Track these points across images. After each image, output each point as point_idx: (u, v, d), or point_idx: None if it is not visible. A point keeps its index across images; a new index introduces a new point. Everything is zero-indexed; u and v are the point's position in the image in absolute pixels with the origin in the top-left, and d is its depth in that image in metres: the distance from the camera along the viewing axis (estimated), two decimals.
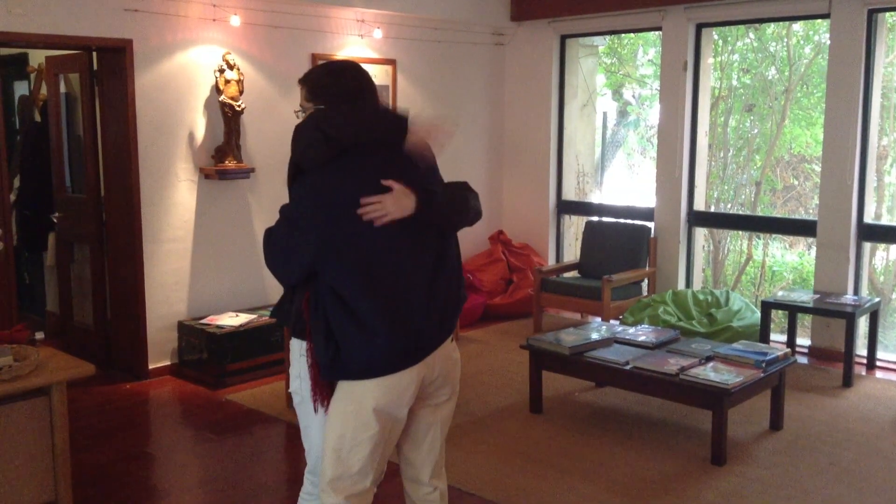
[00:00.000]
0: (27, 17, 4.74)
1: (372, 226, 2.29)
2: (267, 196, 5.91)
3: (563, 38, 7.24)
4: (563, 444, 4.32)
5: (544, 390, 4.78)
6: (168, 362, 5.48)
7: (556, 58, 7.24)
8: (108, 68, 5.30)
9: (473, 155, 7.38)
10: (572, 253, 7.42)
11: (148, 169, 5.32)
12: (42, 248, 6.31)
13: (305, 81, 2.50)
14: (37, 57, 6.43)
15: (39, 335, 6.06)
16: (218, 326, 5.31)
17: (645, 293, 6.51)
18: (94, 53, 5.36)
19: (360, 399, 2.36)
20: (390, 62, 6.59)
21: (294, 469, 4.30)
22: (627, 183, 9.84)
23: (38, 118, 6.40)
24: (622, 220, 6.84)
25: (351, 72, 2.50)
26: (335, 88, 2.45)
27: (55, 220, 5.87)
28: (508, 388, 5.15)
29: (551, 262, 7.26)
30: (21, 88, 6.96)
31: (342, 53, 6.25)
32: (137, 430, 4.67)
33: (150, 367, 5.40)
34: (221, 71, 5.50)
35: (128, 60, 5.15)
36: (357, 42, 6.35)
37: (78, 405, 4.74)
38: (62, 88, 5.77)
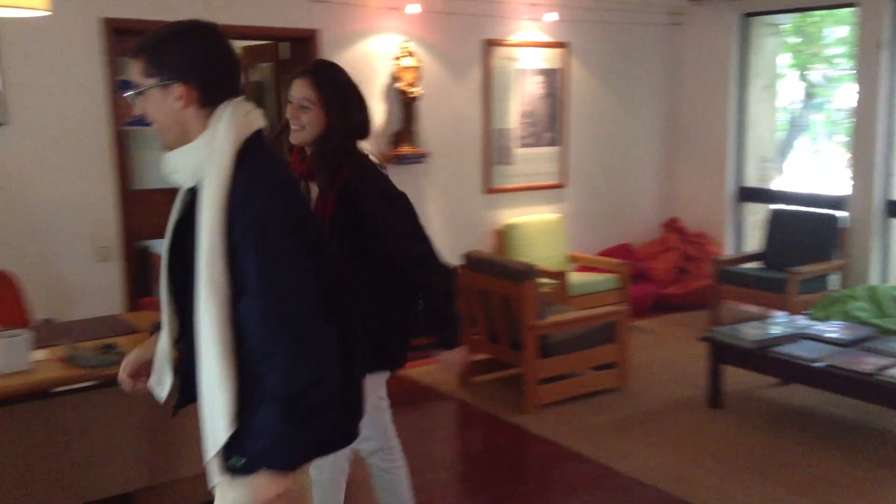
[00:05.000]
0: (225, 9, 5.07)
1: None
2: (439, 180, 6.03)
3: (745, 17, 6.88)
4: (744, 441, 4.14)
5: (722, 385, 4.59)
6: None
7: (737, 37, 6.90)
8: (297, 58, 5.58)
9: (646, 139, 7.18)
10: (752, 242, 7.06)
11: None
12: None
13: (155, 48, 1.75)
14: None
15: None
16: None
17: (831, 287, 6.10)
18: (282, 43, 5.65)
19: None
20: (563, 45, 6.51)
21: (466, 445, 4.39)
22: (812, 169, 9.25)
23: None
24: (809, 209, 6.43)
25: (219, 35, 1.80)
26: (208, 61, 1.76)
27: None
28: (684, 381, 4.98)
29: (729, 251, 6.95)
30: None
31: (515, 38, 6.25)
32: None
33: None
34: (399, 58, 5.65)
35: (315, 50, 5.39)
36: (530, 26, 6.33)
37: None
38: (254, 78, 6.14)
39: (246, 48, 6.21)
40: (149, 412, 3.06)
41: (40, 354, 2.94)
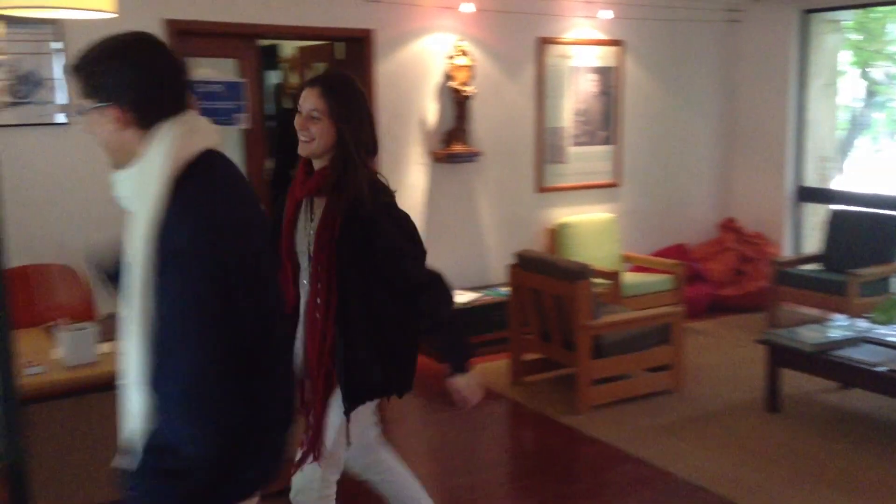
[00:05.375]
0: (283, 10, 5.14)
1: None
2: (491, 179, 6.03)
3: (805, 14, 6.72)
4: (803, 445, 4.05)
5: (780, 389, 4.50)
6: None
7: (797, 34, 6.75)
8: (352, 57, 5.63)
9: (702, 138, 7.07)
10: (812, 244, 6.91)
11: (385, 152, 5.58)
12: None
13: (88, 69, 1.62)
14: (284, 48, 6.98)
15: None
16: None
17: (894, 289, 5.93)
18: (338, 44, 5.71)
19: None
20: (619, 43, 6.45)
21: (518, 445, 4.39)
22: (874, 169, 9.01)
23: (289, 105, 6.95)
24: (870, 210, 6.26)
25: (157, 50, 1.68)
26: (142, 82, 1.63)
27: None
28: (740, 385, 4.90)
29: (787, 252, 6.81)
30: (270, 77, 7.56)
31: (569, 35, 6.21)
32: None
33: None
34: (453, 57, 5.66)
35: (369, 49, 5.44)
36: (584, 24, 6.28)
37: None
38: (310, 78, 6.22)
39: (302, 48, 6.30)
40: None
41: (106, 347, 3.03)
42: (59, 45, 4.49)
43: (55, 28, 4.46)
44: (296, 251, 2.43)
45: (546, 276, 4.61)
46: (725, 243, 6.78)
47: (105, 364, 2.90)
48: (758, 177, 7.04)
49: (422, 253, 2.43)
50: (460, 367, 2.45)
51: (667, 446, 4.06)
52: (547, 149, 6.21)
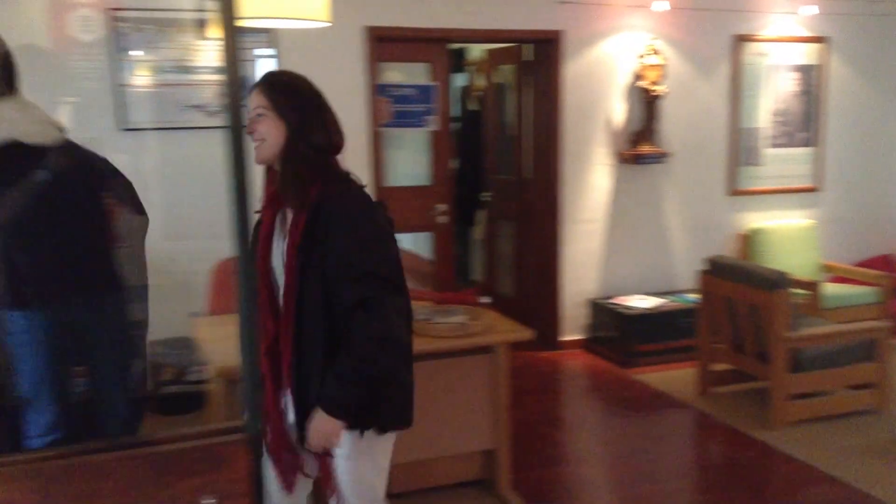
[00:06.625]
0: (474, 14, 5.25)
1: None
2: (680, 181, 5.86)
3: None
4: None
5: None
6: (578, 336, 5.73)
7: None
8: (540, 59, 5.66)
9: None
10: None
11: (569, 153, 5.58)
12: (471, 224, 7.00)
13: None
14: (471, 51, 7.12)
15: (486, 299, 6.70)
16: (628, 307, 5.41)
17: None
18: (525, 45, 5.76)
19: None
20: (822, 40, 6.06)
21: (706, 457, 4.24)
22: None
23: (474, 107, 7.09)
24: None
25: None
26: None
27: (485, 199, 6.47)
28: None
29: None
30: (456, 80, 7.75)
31: (765, 32, 5.92)
32: (551, 396, 4.97)
33: (563, 339, 5.70)
34: (644, 56, 5.55)
35: (557, 50, 5.45)
36: (784, 20, 5.96)
37: None
38: (498, 79, 6.31)
39: (490, 51, 6.41)
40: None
41: None
42: (271, 51, 4.84)
43: (269, 36, 4.80)
44: (274, 273, 2.17)
45: (740, 284, 4.42)
46: None
47: None
48: None
49: (375, 266, 2.06)
50: (328, 406, 2.06)
51: (869, 468, 3.78)
52: (741, 150, 5.95)
